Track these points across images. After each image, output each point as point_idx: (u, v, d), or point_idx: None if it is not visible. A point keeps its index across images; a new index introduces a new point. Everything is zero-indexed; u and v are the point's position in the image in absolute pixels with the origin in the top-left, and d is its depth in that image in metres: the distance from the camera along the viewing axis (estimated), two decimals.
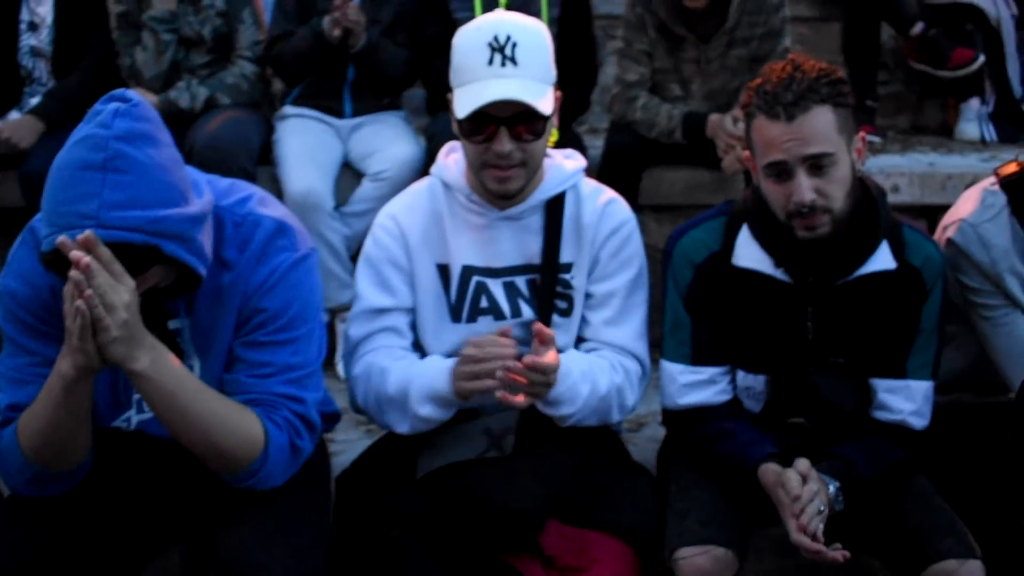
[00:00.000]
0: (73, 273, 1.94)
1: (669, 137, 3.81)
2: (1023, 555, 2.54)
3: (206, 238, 2.12)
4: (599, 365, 2.50)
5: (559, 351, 2.56)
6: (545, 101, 2.39)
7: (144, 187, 2.00)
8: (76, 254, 1.93)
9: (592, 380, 2.46)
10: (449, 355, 2.53)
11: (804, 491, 2.27)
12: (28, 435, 2.13)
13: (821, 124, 2.30)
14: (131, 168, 1.99)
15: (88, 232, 1.94)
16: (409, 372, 2.45)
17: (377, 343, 2.53)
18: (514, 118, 2.37)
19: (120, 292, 1.98)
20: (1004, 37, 5.05)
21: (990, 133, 5.12)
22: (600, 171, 3.76)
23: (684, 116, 3.78)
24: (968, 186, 4.02)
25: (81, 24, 4.01)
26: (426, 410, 2.43)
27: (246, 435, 2.16)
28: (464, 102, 2.38)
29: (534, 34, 2.43)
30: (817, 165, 2.31)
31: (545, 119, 2.40)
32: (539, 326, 2.36)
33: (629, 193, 3.72)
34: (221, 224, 2.22)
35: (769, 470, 2.37)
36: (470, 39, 2.42)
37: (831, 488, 2.33)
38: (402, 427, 2.48)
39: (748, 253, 2.47)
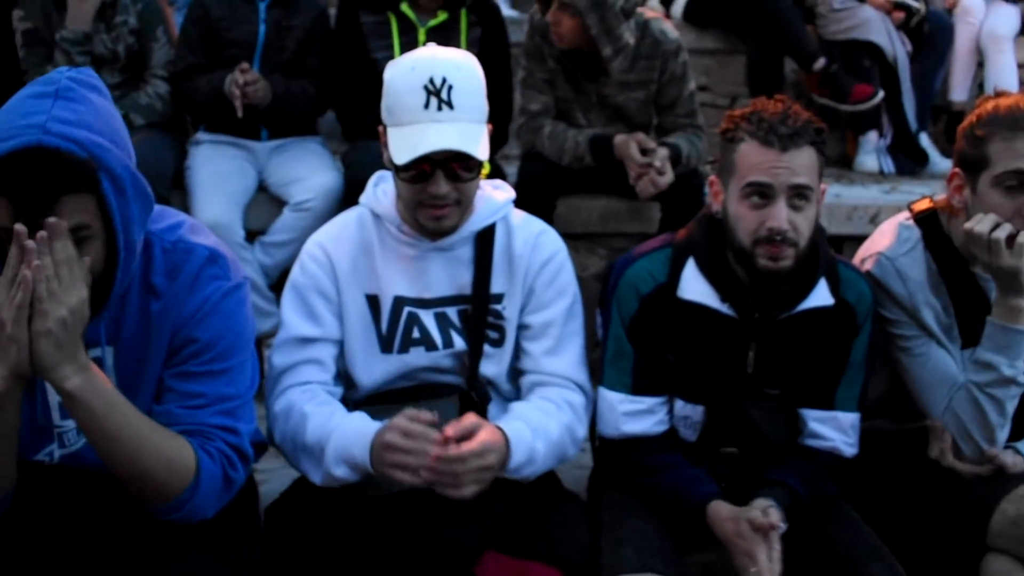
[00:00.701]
0: (29, 241, 1.89)
1: (580, 163, 3.83)
2: None
3: (139, 227, 2.07)
4: (547, 410, 2.48)
5: (490, 384, 2.56)
6: (482, 145, 2.38)
7: (92, 118, 2.01)
8: (40, 234, 1.90)
9: (544, 432, 2.43)
10: (379, 387, 2.52)
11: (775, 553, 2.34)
12: None
13: (808, 161, 2.38)
14: (82, 100, 2.01)
15: (56, 220, 1.91)
16: (329, 425, 2.37)
17: (300, 375, 2.48)
18: (450, 159, 2.37)
19: (70, 292, 1.94)
20: (900, 73, 5.25)
21: (888, 165, 5.30)
22: (515, 200, 3.77)
23: (590, 140, 3.81)
24: (873, 217, 4.22)
25: None
26: (340, 471, 2.35)
27: (177, 463, 2.11)
28: (401, 148, 2.36)
29: (469, 74, 2.42)
30: (799, 196, 2.37)
31: (481, 161, 2.40)
32: (448, 429, 2.25)
33: (544, 220, 3.74)
34: (150, 249, 2.17)
35: (722, 507, 2.42)
36: (405, 80, 2.38)
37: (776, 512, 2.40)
38: (315, 477, 2.41)
39: (694, 287, 2.50)
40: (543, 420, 2.46)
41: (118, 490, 2.15)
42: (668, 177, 3.66)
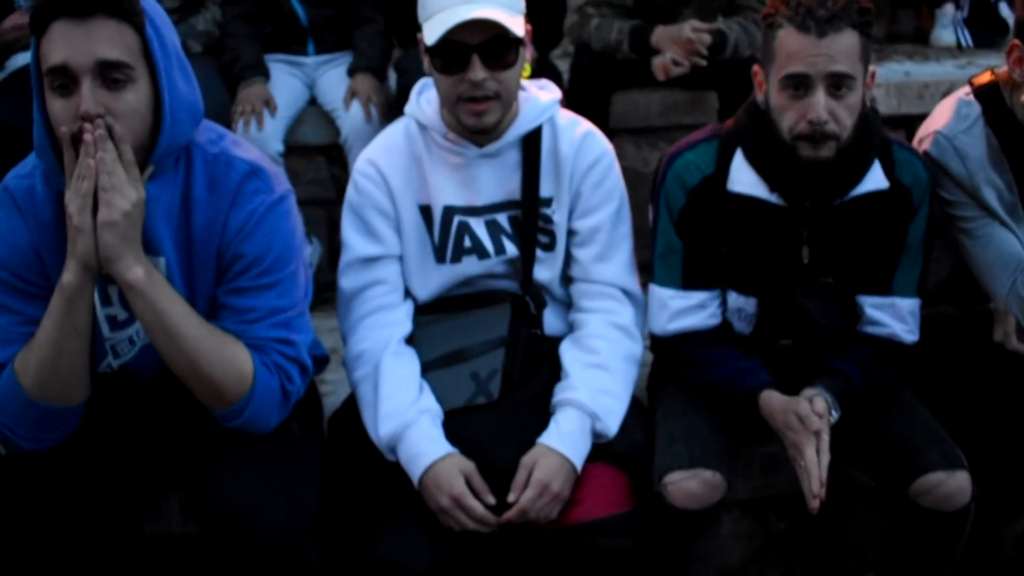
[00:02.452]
0: (88, 135, 2.00)
1: (620, 52, 3.72)
2: (1007, 465, 2.59)
3: (184, 106, 2.14)
4: (600, 360, 2.44)
5: (544, 289, 2.56)
6: (516, 24, 2.35)
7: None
8: (98, 132, 2.00)
9: (603, 386, 2.42)
10: (435, 296, 2.54)
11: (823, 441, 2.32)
12: (29, 367, 2.13)
13: (848, 46, 2.30)
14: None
15: (100, 132, 2.00)
16: (405, 417, 2.37)
17: (369, 301, 2.50)
18: (486, 44, 2.33)
19: (128, 188, 2.03)
20: None
21: (966, 38, 5.09)
22: (567, 95, 3.71)
23: (631, 29, 3.70)
24: (945, 94, 4.04)
25: None
26: (391, 455, 2.38)
27: (233, 367, 2.17)
28: (433, 30, 2.33)
29: None
30: (837, 85, 2.31)
31: (518, 44, 2.37)
32: (507, 515, 2.29)
33: (599, 115, 3.65)
34: (191, 158, 2.21)
35: (773, 397, 2.40)
36: None
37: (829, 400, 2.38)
38: (370, 429, 2.43)
39: (742, 178, 2.46)
40: (600, 377, 2.43)
41: (185, 399, 2.22)
42: (686, 68, 3.60)
